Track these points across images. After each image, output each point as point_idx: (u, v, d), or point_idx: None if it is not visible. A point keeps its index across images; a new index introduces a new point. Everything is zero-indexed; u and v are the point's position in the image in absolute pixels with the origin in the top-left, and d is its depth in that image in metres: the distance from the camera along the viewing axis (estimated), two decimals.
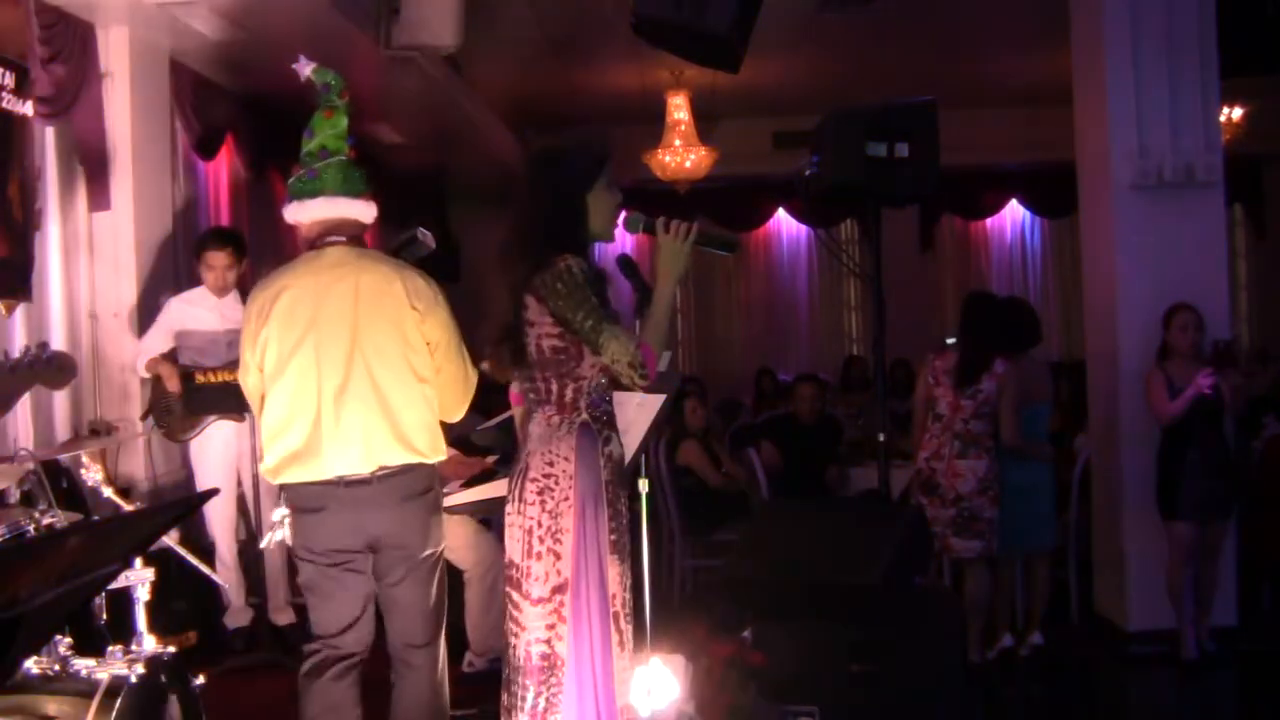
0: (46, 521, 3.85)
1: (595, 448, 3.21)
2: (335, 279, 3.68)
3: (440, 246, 4.52)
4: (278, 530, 3.77)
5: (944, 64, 9.16)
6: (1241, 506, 6.12)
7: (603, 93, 10.16)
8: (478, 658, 5.36)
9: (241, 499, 5.90)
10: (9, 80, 5.35)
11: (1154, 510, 5.80)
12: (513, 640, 3.22)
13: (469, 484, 5.27)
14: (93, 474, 4.31)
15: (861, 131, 5.11)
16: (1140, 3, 6.15)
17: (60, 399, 5.93)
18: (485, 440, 5.26)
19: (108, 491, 4.38)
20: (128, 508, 4.42)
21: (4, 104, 5.34)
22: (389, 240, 4.48)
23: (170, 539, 4.59)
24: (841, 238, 12.57)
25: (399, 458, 3.67)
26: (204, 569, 5.06)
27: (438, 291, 3.78)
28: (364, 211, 3.81)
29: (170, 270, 6.53)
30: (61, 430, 5.94)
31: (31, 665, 3.24)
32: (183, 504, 4.98)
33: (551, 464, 3.18)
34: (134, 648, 3.59)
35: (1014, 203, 12.86)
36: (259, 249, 7.98)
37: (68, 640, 3.36)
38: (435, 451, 3.74)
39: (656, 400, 3.88)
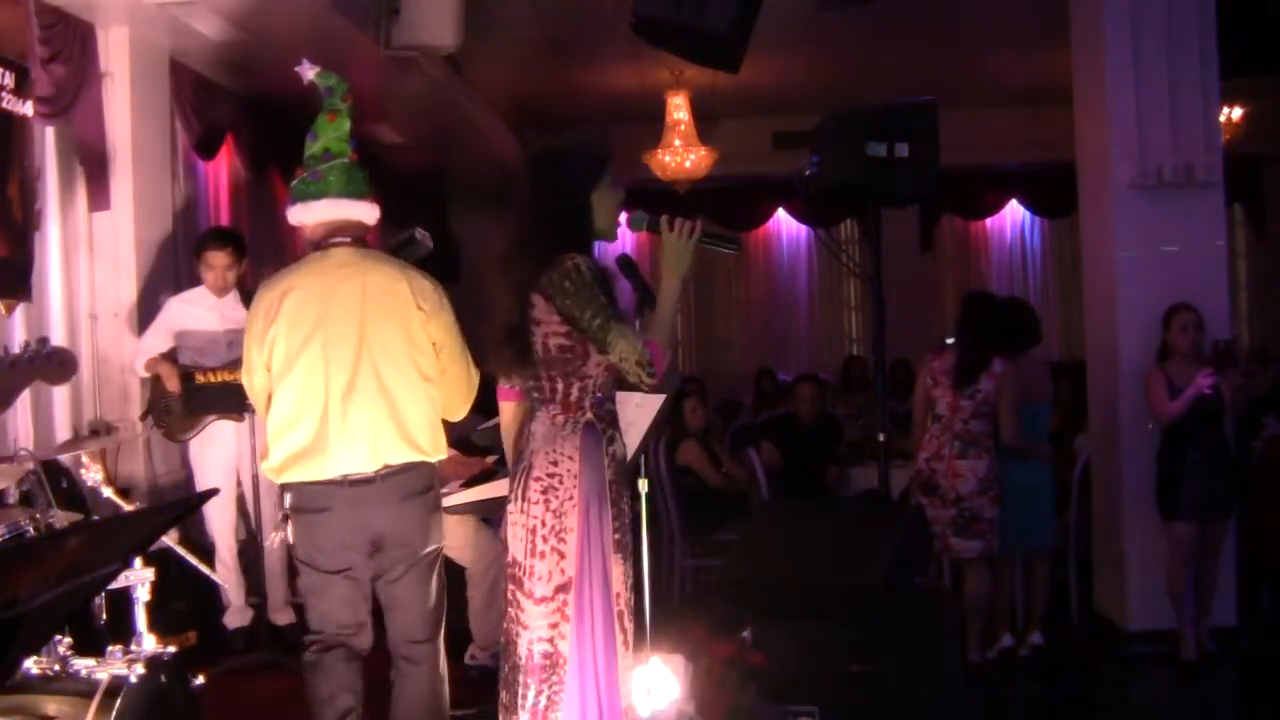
0: (46, 521, 3.86)
1: (600, 447, 3.21)
2: (342, 279, 3.73)
3: (440, 246, 4.54)
4: (281, 529, 3.78)
5: (944, 64, 9.15)
6: (1241, 506, 6.12)
7: (603, 93, 10.16)
8: (481, 651, 5.37)
9: (241, 499, 5.90)
10: (9, 80, 5.35)
11: (1154, 510, 5.80)
12: (514, 638, 3.22)
13: (469, 484, 5.28)
14: (92, 474, 4.32)
15: (861, 131, 5.11)
16: (1140, 3, 6.15)
17: (60, 399, 5.93)
18: (485, 440, 5.26)
19: (107, 491, 4.38)
20: (127, 508, 4.42)
21: (4, 104, 5.34)
22: (387, 241, 4.50)
23: (170, 539, 4.59)
24: (841, 238, 12.57)
25: (403, 456, 3.72)
26: (204, 569, 5.07)
27: (442, 293, 3.85)
28: (367, 213, 3.87)
29: (170, 270, 6.53)
30: (61, 430, 5.94)
31: (31, 665, 3.24)
32: (182, 504, 4.99)
33: (556, 463, 3.18)
34: (134, 648, 3.60)
35: (1014, 203, 12.86)
36: (259, 249, 7.98)
37: (68, 640, 3.37)
38: (437, 450, 3.81)
39: (656, 400, 3.88)
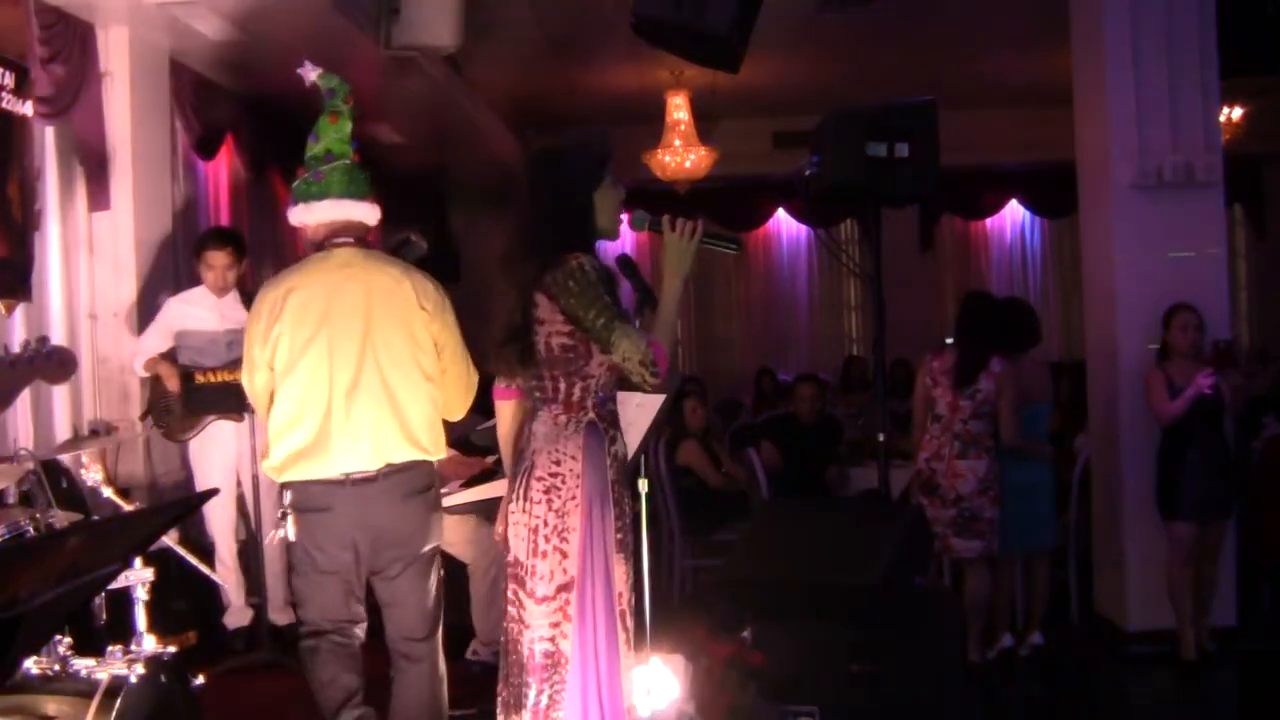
0: (46, 521, 3.86)
1: (602, 447, 3.21)
2: (346, 279, 3.77)
3: (440, 247, 4.56)
4: (281, 527, 3.79)
5: (944, 64, 9.15)
6: (1241, 506, 6.12)
7: (603, 93, 10.16)
8: (483, 647, 5.39)
9: (241, 499, 5.90)
10: (9, 80, 5.35)
11: (1154, 510, 5.80)
12: (515, 637, 3.22)
13: (469, 484, 5.28)
14: (92, 474, 4.32)
15: (861, 131, 5.11)
16: (1140, 3, 6.15)
17: (60, 399, 5.93)
18: (485, 440, 5.26)
19: (107, 491, 4.39)
20: (127, 508, 4.43)
21: (4, 104, 5.34)
22: (383, 243, 4.51)
23: (170, 539, 4.60)
24: (841, 238, 12.56)
25: (405, 455, 3.76)
26: (204, 569, 5.07)
27: (444, 294, 3.90)
28: (368, 213, 3.92)
29: (170, 270, 6.53)
30: (61, 430, 5.94)
31: (31, 665, 3.24)
32: (182, 504, 4.99)
33: (559, 463, 3.18)
34: (134, 648, 3.60)
35: (1014, 203, 12.86)
36: (259, 249, 7.99)
37: (68, 640, 3.37)
38: (438, 450, 3.85)
39: (656, 400, 3.89)
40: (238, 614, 5.89)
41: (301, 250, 4.07)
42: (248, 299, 5.39)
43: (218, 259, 5.78)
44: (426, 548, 3.83)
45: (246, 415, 5.51)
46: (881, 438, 5.46)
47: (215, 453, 5.79)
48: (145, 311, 6.14)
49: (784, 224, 12.92)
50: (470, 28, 6.50)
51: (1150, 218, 6.18)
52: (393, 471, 3.74)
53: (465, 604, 5.42)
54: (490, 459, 5.27)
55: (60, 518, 3.98)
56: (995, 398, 5.60)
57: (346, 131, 3.90)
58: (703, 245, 3.27)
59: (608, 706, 3.17)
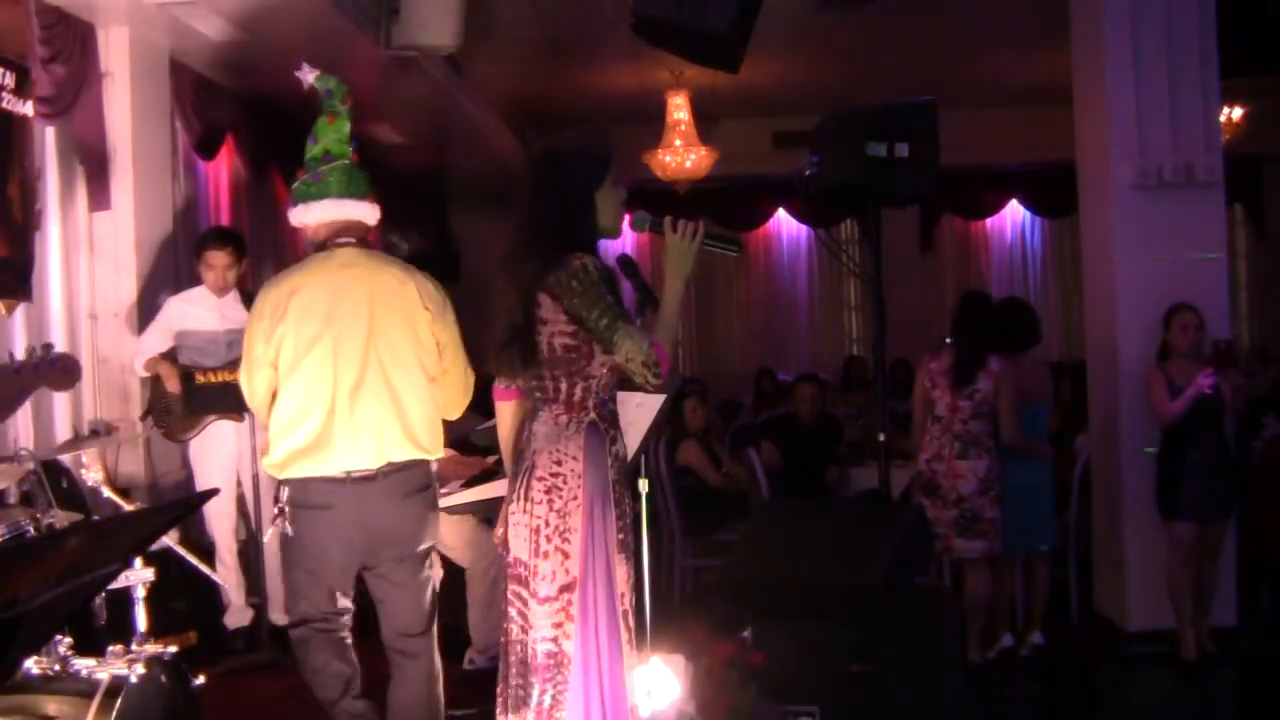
0: (46, 521, 3.86)
1: (604, 447, 3.21)
2: (350, 278, 3.80)
3: (440, 247, 4.58)
4: (278, 523, 3.80)
5: (944, 64, 9.15)
6: (1241, 506, 6.12)
7: (603, 93, 10.15)
8: (479, 655, 5.37)
9: (241, 499, 5.90)
10: (9, 80, 5.35)
11: (1154, 510, 5.80)
12: (518, 637, 3.22)
13: (469, 484, 5.28)
14: (92, 474, 4.33)
15: (861, 131, 5.11)
16: (1140, 3, 6.15)
17: (60, 399, 5.92)
18: (485, 440, 5.26)
19: (107, 491, 4.39)
20: (128, 508, 4.43)
21: (4, 104, 5.34)
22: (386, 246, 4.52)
23: (170, 539, 4.60)
24: (841, 238, 12.56)
25: (406, 454, 3.80)
26: (204, 569, 5.08)
27: (445, 295, 3.93)
28: (368, 213, 3.95)
29: (170, 270, 6.53)
30: (61, 430, 5.94)
31: (31, 665, 3.24)
32: (183, 504, 4.99)
33: (560, 463, 3.18)
34: (134, 648, 3.60)
35: (1014, 203, 12.85)
36: (259, 249, 7.99)
37: (68, 640, 3.37)
38: (437, 449, 3.89)
39: (656, 400, 3.89)
40: (238, 614, 5.89)
41: (302, 250, 4.08)
42: (248, 299, 5.40)
43: (218, 259, 5.78)
44: (423, 545, 3.87)
45: (246, 415, 5.51)
46: (881, 438, 5.46)
47: (215, 453, 5.79)
48: (145, 311, 6.14)
49: (784, 224, 12.93)
50: (470, 28, 6.50)
51: (1150, 218, 6.18)
52: (393, 470, 3.77)
53: (464, 608, 5.41)
54: (490, 459, 5.27)
55: (60, 518, 3.98)
56: (994, 397, 5.60)
57: (345, 132, 3.93)
58: (704, 246, 3.27)
59: (610, 706, 3.17)
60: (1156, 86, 6.14)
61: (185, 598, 5.56)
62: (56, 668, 3.29)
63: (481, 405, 4.16)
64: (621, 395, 3.40)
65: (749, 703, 4.15)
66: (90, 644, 3.57)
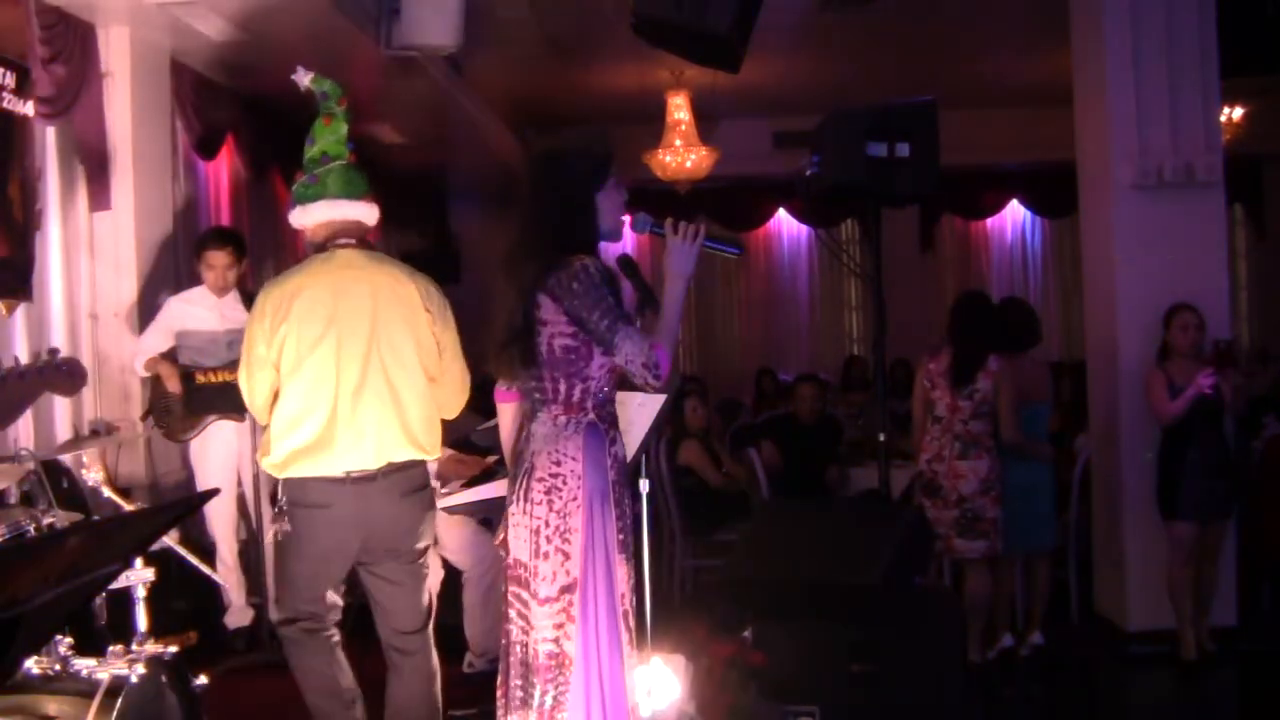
0: (46, 521, 3.86)
1: (603, 448, 3.21)
2: (352, 279, 3.82)
3: (440, 247, 4.59)
4: (280, 522, 3.81)
5: (944, 64, 9.15)
6: (1241, 506, 6.12)
7: (603, 93, 10.15)
8: (478, 658, 5.36)
9: (242, 499, 5.90)
10: (10, 80, 5.35)
11: (1154, 510, 5.80)
12: (519, 638, 3.22)
13: (469, 484, 5.28)
14: (93, 474, 4.33)
15: (862, 131, 5.12)
16: (1140, 3, 6.15)
17: (61, 399, 5.92)
18: (485, 440, 5.26)
19: (108, 491, 4.39)
20: (128, 508, 4.43)
21: (5, 104, 5.34)
22: (389, 248, 4.53)
23: (170, 539, 4.60)
24: (842, 238, 12.57)
25: (406, 454, 3.83)
26: (204, 569, 5.08)
27: (444, 296, 3.97)
28: (366, 213, 3.97)
29: (170, 270, 6.53)
30: (62, 430, 5.94)
31: (32, 665, 3.24)
32: (183, 504, 4.99)
33: (559, 463, 3.18)
34: (134, 648, 3.59)
35: (1014, 203, 12.85)
36: (259, 249, 7.99)
37: (68, 640, 3.37)
38: (434, 450, 3.93)
39: (657, 400, 3.89)
40: (238, 614, 5.89)
41: (302, 251, 4.10)
42: (248, 299, 5.40)
43: (218, 259, 5.78)
44: (420, 544, 3.90)
45: (247, 415, 5.50)
46: (882, 438, 5.47)
47: (216, 453, 5.79)
48: (146, 311, 6.14)
49: (784, 224, 12.92)
50: (470, 28, 6.50)
51: (1150, 218, 6.18)
52: (393, 470, 3.80)
53: (461, 611, 5.41)
54: (490, 459, 5.27)
55: (61, 518, 3.98)
56: (994, 397, 5.60)
57: (342, 133, 3.96)
58: (705, 249, 3.28)
59: (610, 707, 3.17)
60: (1156, 86, 6.14)
61: (186, 598, 5.56)
62: (57, 668, 3.29)
63: (481, 405, 4.17)
64: (622, 395, 3.40)
65: (749, 703, 4.15)
66: (90, 644, 3.57)
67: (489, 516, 5.34)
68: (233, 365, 5.28)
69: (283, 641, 3.95)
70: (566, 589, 3.16)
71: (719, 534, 6.72)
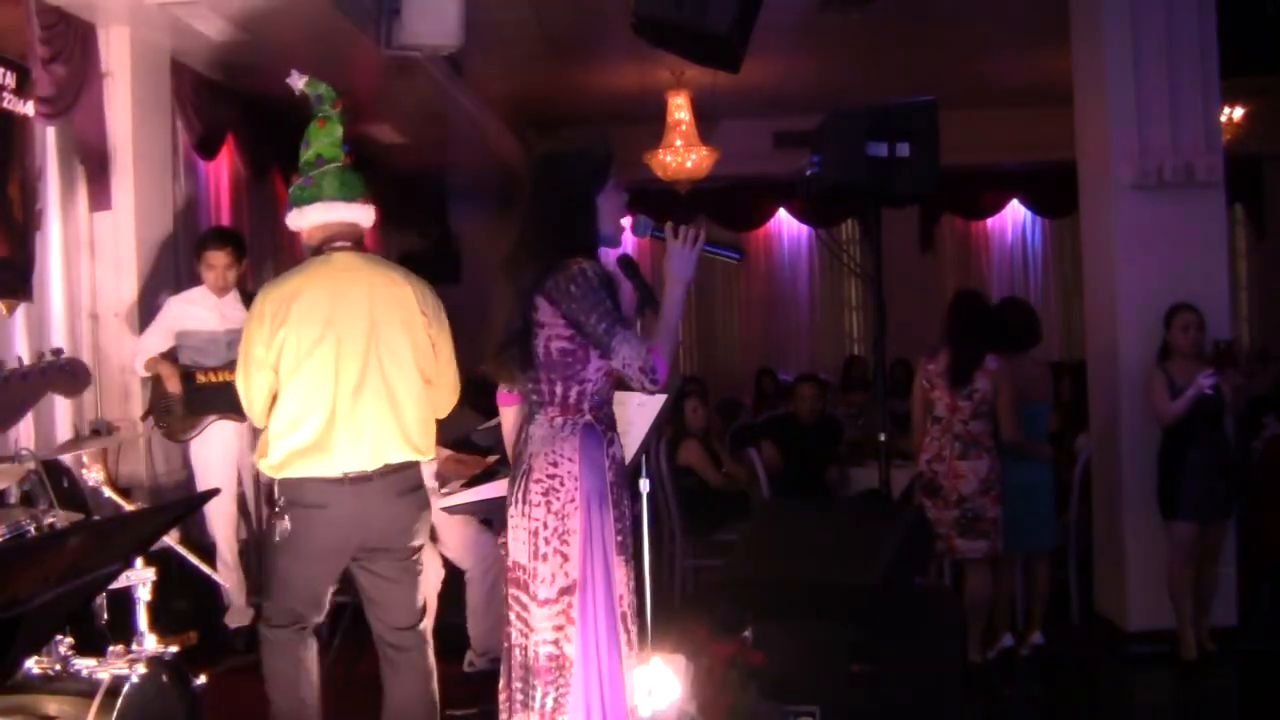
0: (47, 521, 3.86)
1: (600, 448, 3.21)
2: (349, 282, 3.85)
3: (441, 247, 4.60)
4: (280, 522, 3.82)
5: (944, 64, 9.15)
6: (1241, 506, 6.12)
7: (603, 93, 10.15)
8: (479, 657, 5.37)
9: (242, 499, 5.90)
10: (10, 80, 5.35)
11: (1154, 510, 5.80)
12: (519, 641, 3.22)
13: (469, 484, 5.28)
14: (93, 474, 4.33)
15: (862, 131, 5.12)
16: (1140, 2, 6.16)
17: (61, 399, 5.92)
18: (486, 440, 5.26)
19: (108, 491, 4.39)
20: (128, 508, 4.43)
21: (5, 104, 5.34)
22: (389, 248, 4.55)
23: (171, 539, 4.59)
24: (842, 238, 12.57)
25: (402, 455, 3.86)
26: (205, 569, 5.07)
27: (439, 299, 4.01)
28: (362, 215, 4.00)
29: (171, 270, 6.53)
30: (62, 430, 5.94)
31: (32, 665, 3.24)
32: (183, 504, 5.00)
33: (556, 464, 3.18)
34: (135, 648, 3.61)
35: (1014, 203, 12.85)
36: (259, 249, 7.98)
37: (68, 640, 3.37)
38: (429, 451, 3.98)
39: (657, 400, 3.89)
40: (239, 614, 5.89)
41: (302, 252, 4.10)
42: (248, 299, 5.39)
43: (218, 259, 5.79)
44: (415, 542, 3.93)
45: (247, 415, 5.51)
46: (882, 438, 5.47)
47: (216, 452, 5.79)
48: (146, 311, 6.14)
49: (785, 224, 12.92)
50: (470, 28, 6.50)
51: (1150, 218, 6.19)
52: (389, 471, 3.83)
53: (462, 610, 5.41)
54: (490, 459, 5.27)
55: (61, 518, 3.98)
56: (993, 396, 5.60)
57: (337, 135, 3.99)
58: (705, 253, 3.28)
59: (610, 708, 3.17)
60: (1156, 86, 6.14)
61: (186, 598, 5.56)
62: (57, 668, 3.29)
63: (483, 405, 4.18)
64: (622, 395, 3.40)
65: (749, 703, 4.15)
66: (91, 644, 3.58)
67: (489, 516, 5.35)
68: (233, 365, 5.27)
69: (262, 643, 3.95)
70: (565, 590, 3.16)
71: (719, 534, 6.72)
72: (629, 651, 3.24)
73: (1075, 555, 6.50)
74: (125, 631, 3.81)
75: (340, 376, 3.78)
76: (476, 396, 4.11)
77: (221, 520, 5.82)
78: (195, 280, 5.97)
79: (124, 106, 6.23)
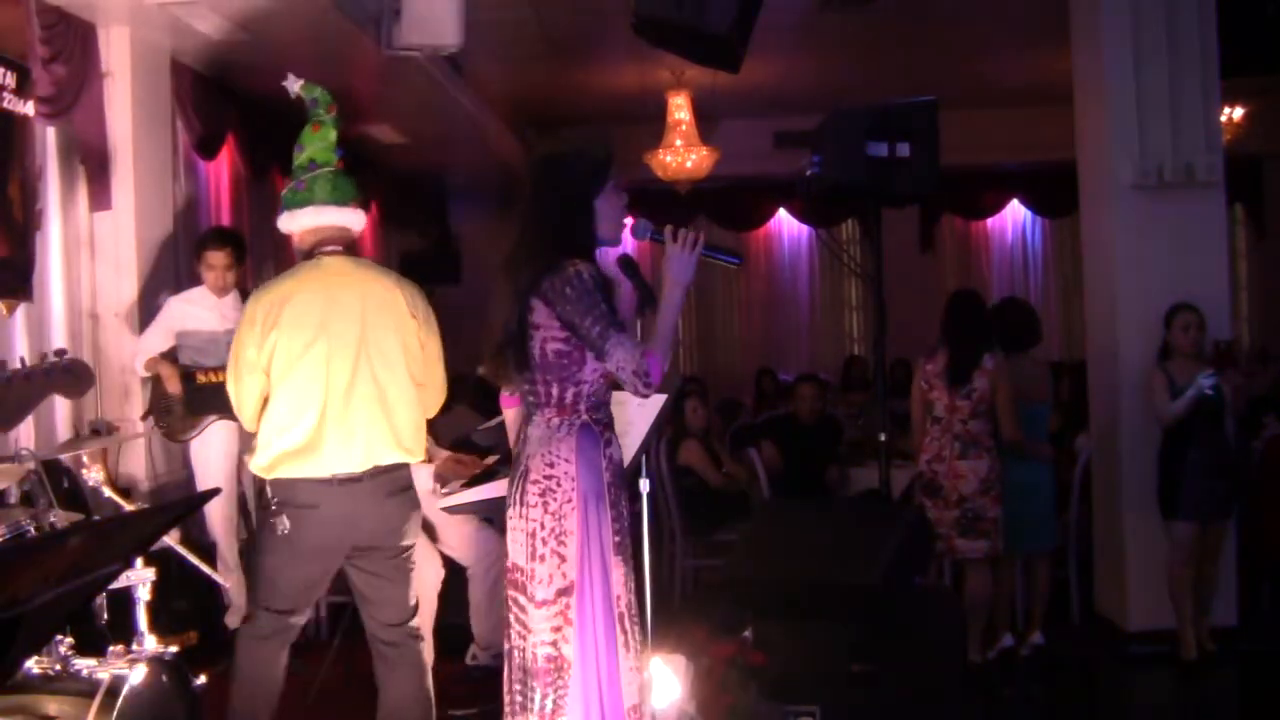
0: (47, 521, 3.86)
1: (597, 449, 3.21)
2: (341, 286, 3.89)
3: (441, 247, 4.62)
4: (278, 521, 3.83)
5: (944, 64, 9.15)
6: (1242, 506, 6.12)
7: (603, 93, 10.15)
8: (482, 651, 5.39)
9: (242, 499, 5.90)
10: (10, 80, 5.35)
11: (1154, 510, 5.80)
12: (517, 643, 3.22)
13: (470, 484, 5.28)
14: (93, 474, 4.33)
15: (862, 131, 5.12)
16: (1140, 2, 6.15)
17: (61, 398, 5.92)
18: (486, 440, 5.27)
19: (108, 491, 4.39)
20: (128, 508, 4.43)
21: (5, 104, 5.34)
22: (389, 248, 4.56)
23: (171, 539, 4.59)
24: (842, 238, 12.57)
25: (392, 457, 3.89)
26: (205, 569, 5.07)
27: (429, 302, 4.06)
28: (353, 220, 4.05)
29: (171, 270, 6.53)
30: (62, 430, 5.94)
31: (32, 665, 3.24)
32: (184, 504, 5.00)
33: (552, 465, 3.18)
34: (135, 648, 3.61)
35: (1014, 203, 12.85)
36: (259, 249, 7.98)
37: (69, 640, 3.37)
38: (419, 453, 4.00)
39: (657, 400, 3.88)
40: (239, 614, 5.87)
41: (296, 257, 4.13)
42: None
43: (218, 259, 5.79)
44: (406, 541, 3.95)
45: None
46: (882, 438, 5.47)
47: (216, 453, 5.79)
48: (146, 311, 6.14)
49: (785, 224, 12.92)
50: (470, 28, 6.50)
51: (1150, 218, 6.18)
52: (378, 473, 3.86)
53: (466, 604, 5.42)
54: (490, 459, 5.27)
55: (61, 518, 3.99)
56: (991, 395, 5.60)
57: (331, 139, 4.03)
58: (704, 257, 3.28)
59: (609, 709, 3.17)
60: (1156, 86, 6.13)
61: (186, 598, 5.56)
62: (57, 668, 3.29)
63: (482, 405, 4.18)
64: (622, 395, 3.40)
65: (749, 703, 4.15)
66: (91, 644, 3.58)
67: (490, 516, 5.35)
68: None
69: (240, 640, 3.96)
70: (563, 592, 3.16)
71: (719, 534, 6.72)
72: (627, 652, 3.24)
73: (1075, 555, 6.50)
74: (125, 631, 3.81)
75: (331, 379, 3.81)
76: (476, 396, 4.11)
77: (221, 520, 5.82)
78: (195, 280, 5.97)
79: (124, 106, 6.23)
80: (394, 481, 3.90)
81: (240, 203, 8.02)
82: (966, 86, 9.57)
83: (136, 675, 3.26)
